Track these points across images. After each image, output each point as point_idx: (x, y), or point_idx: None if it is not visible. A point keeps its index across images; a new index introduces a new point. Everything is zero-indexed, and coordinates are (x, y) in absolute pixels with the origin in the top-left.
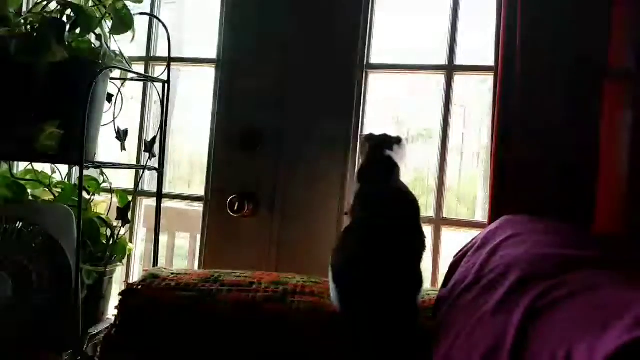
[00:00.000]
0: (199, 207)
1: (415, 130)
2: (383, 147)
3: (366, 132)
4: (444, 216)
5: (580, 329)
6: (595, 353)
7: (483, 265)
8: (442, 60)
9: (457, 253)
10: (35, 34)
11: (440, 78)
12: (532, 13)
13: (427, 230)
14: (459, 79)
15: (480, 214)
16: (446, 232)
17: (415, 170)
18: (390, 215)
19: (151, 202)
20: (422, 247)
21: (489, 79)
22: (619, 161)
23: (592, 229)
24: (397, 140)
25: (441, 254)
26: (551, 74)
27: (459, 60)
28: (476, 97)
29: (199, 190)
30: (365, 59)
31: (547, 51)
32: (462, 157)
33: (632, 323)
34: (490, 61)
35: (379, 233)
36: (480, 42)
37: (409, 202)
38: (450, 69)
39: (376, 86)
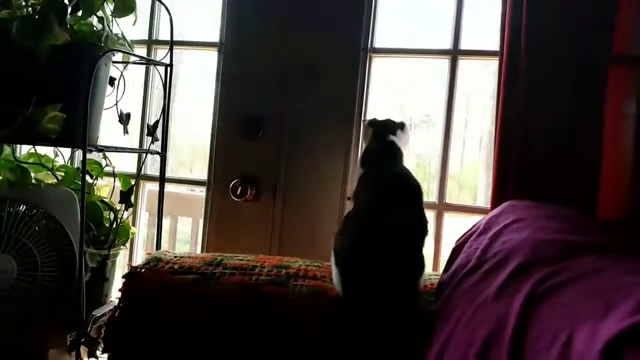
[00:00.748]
0: (201, 191)
1: (417, 116)
2: (387, 132)
3: (369, 117)
4: (447, 202)
5: (581, 313)
6: (596, 337)
7: (485, 250)
8: (447, 44)
9: (460, 238)
10: (36, 16)
11: (443, 63)
12: None
13: (430, 215)
14: (462, 63)
15: (482, 200)
16: (448, 218)
17: (417, 156)
18: (393, 200)
19: (153, 186)
20: (425, 231)
21: (491, 64)
22: (623, 147)
23: (596, 215)
24: (401, 126)
25: (443, 239)
26: (556, 58)
27: (464, 45)
28: (479, 82)
29: (201, 175)
30: (370, 42)
31: (552, 35)
32: (464, 144)
33: (634, 307)
34: (494, 46)
35: (382, 218)
36: (484, 27)
37: (413, 187)
38: (454, 54)
39: (380, 71)
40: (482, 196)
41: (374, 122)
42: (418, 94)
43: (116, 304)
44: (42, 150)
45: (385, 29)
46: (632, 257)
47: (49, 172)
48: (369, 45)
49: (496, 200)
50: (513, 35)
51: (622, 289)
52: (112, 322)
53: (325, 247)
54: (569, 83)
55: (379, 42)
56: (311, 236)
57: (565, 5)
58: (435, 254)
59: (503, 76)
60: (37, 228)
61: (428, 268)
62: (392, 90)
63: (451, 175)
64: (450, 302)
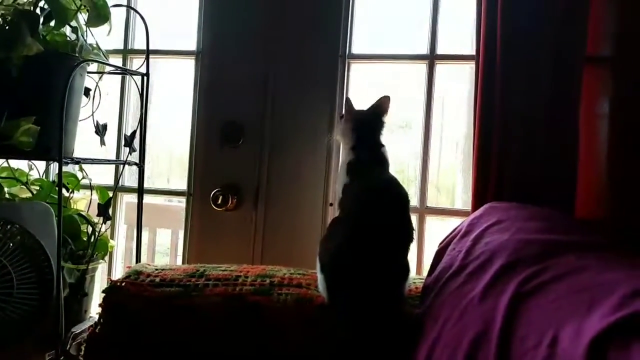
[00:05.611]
0: (180, 202)
1: (395, 120)
2: (372, 132)
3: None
4: (428, 205)
5: (566, 311)
6: (582, 334)
7: (468, 252)
8: (424, 50)
9: (442, 241)
10: (7, 27)
11: (419, 68)
12: (513, 0)
13: (412, 219)
14: (440, 68)
15: (460, 202)
16: (430, 221)
17: (396, 160)
18: (380, 207)
19: (131, 197)
20: (410, 239)
21: (466, 68)
22: (598, 147)
23: (574, 215)
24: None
25: (425, 243)
26: (531, 61)
27: (440, 50)
28: (454, 86)
29: (178, 185)
30: (348, 49)
31: (527, 39)
32: (440, 147)
33: (617, 303)
34: (469, 50)
35: (368, 224)
36: (460, 31)
37: (400, 195)
38: (431, 59)
39: (358, 76)
40: (460, 199)
41: (357, 118)
42: (395, 98)
43: (96, 319)
44: (15, 163)
45: (363, 36)
46: (611, 255)
47: (24, 186)
48: (347, 52)
49: (476, 202)
50: (488, 39)
51: (604, 286)
52: (93, 338)
53: (309, 255)
54: (544, 85)
55: (356, 48)
56: (294, 244)
57: (538, 8)
58: (419, 258)
59: (480, 80)
60: (11, 244)
61: (412, 272)
62: (371, 96)
63: (430, 179)
64: (436, 305)
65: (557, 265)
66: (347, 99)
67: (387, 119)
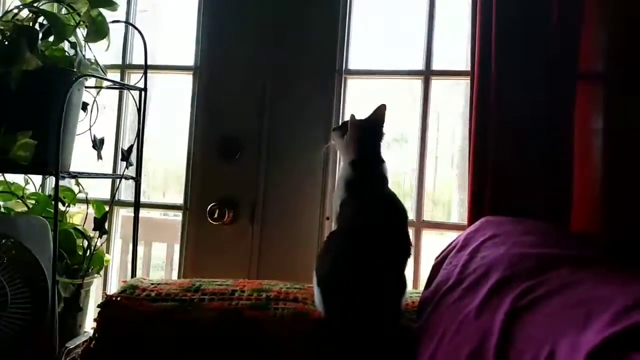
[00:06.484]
0: (175, 216)
1: (391, 134)
2: (373, 146)
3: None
4: (424, 219)
5: (562, 326)
6: (578, 348)
7: (465, 266)
8: (419, 65)
9: (439, 255)
10: (6, 43)
11: (415, 83)
12: (507, 17)
13: (409, 233)
14: (434, 83)
15: (456, 216)
16: (426, 235)
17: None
18: (378, 223)
19: (127, 212)
20: (408, 254)
21: (461, 83)
22: (592, 162)
23: (569, 229)
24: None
25: (422, 257)
26: (526, 76)
27: (435, 65)
28: (449, 101)
29: (174, 199)
30: (344, 64)
31: (521, 54)
32: (436, 161)
33: (613, 318)
34: (463, 65)
35: (366, 239)
36: (455, 47)
37: (398, 210)
38: (427, 74)
39: (354, 92)
40: (456, 212)
41: (358, 133)
42: (390, 112)
43: (91, 334)
44: (11, 177)
45: (360, 51)
46: (607, 268)
47: (20, 201)
48: (343, 67)
49: (472, 216)
50: (483, 54)
51: (600, 300)
52: (87, 353)
53: (305, 269)
54: (539, 100)
55: (353, 64)
56: (291, 258)
57: (532, 24)
58: (415, 272)
59: (475, 95)
60: (6, 259)
61: (408, 286)
62: (367, 110)
63: (425, 193)
64: (433, 319)
65: (552, 279)
66: (352, 116)
67: (385, 129)
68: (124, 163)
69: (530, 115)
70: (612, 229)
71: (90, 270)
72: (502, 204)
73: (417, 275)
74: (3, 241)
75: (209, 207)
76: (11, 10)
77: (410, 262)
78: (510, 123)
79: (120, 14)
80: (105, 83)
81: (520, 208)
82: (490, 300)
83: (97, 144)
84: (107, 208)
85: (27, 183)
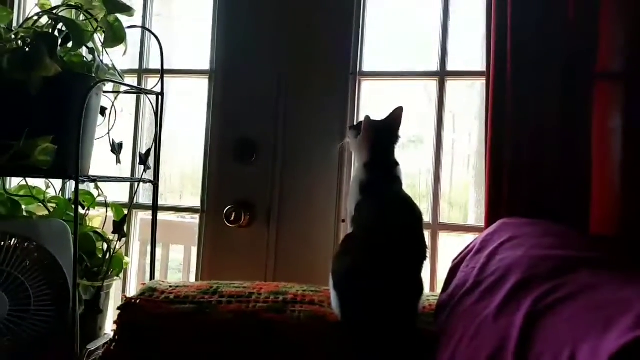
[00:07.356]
0: (193, 219)
1: (406, 136)
2: (388, 149)
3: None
4: (441, 221)
5: (582, 329)
6: (599, 353)
7: (482, 268)
8: (434, 66)
9: (456, 257)
10: (27, 49)
11: (429, 84)
12: (522, 17)
13: (425, 235)
14: (449, 84)
15: (473, 218)
16: (442, 237)
17: (407, 176)
18: (394, 225)
19: (145, 214)
20: (424, 256)
21: (476, 84)
22: (612, 163)
23: (589, 231)
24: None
25: (438, 259)
26: (543, 76)
27: (450, 66)
28: (464, 102)
29: (191, 202)
30: (359, 66)
31: (537, 54)
32: (452, 163)
33: (634, 322)
34: (479, 66)
35: (382, 242)
36: (470, 47)
37: (414, 213)
38: (442, 75)
39: (369, 93)
40: (473, 214)
41: (374, 134)
42: (406, 113)
43: (111, 336)
44: (32, 182)
45: (374, 53)
46: (627, 271)
47: (41, 204)
48: (357, 69)
49: (490, 218)
50: (499, 55)
51: (620, 304)
52: (108, 355)
53: (321, 271)
54: (556, 100)
55: (367, 65)
56: (307, 260)
57: (547, 23)
58: (432, 274)
59: (491, 95)
60: (29, 261)
61: (425, 288)
62: (381, 112)
63: (441, 194)
64: (451, 322)
65: (572, 282)
66: (367, 117)
67: (401, 132)
68: (142, 167)
69: (548, 116)
70: (632, 230)
71: (110, 273)
72: (519, 205)
73: (434, 278)
74: (25, 244)
75: (226, 209)
76: (31, 17)
77: (427, 264)
78: (527, 123)
79: (136, 19)
80: (123, 88)
81: (538, 210)
82: (509, 303)
83: (116, 148)
84: (125, 211)
85: (47, 187)
